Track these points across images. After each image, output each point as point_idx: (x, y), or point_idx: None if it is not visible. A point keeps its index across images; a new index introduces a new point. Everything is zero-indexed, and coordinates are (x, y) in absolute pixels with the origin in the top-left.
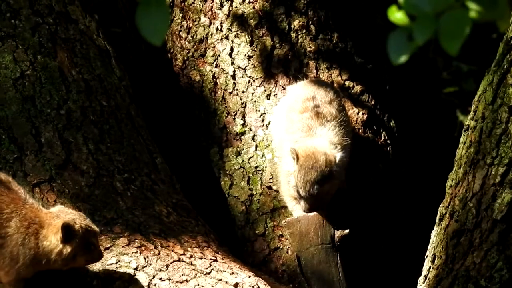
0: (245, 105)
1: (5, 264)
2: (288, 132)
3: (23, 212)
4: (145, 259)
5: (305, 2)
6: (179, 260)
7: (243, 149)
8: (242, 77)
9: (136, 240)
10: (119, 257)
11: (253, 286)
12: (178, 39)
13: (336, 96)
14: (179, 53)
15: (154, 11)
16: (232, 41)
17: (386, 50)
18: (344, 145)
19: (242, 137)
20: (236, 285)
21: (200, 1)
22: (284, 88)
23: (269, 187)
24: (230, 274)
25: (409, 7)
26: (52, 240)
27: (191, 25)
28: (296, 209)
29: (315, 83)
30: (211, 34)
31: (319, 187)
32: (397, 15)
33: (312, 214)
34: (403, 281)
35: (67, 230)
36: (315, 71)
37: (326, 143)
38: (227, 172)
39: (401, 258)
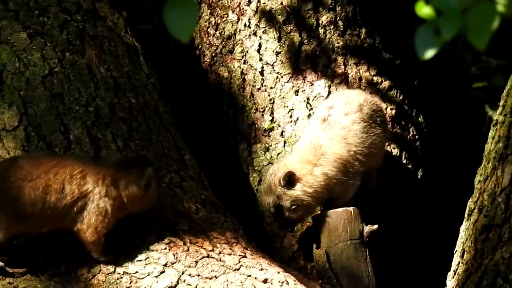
0: (274, 101)
1: (92, 221)
2: None
3: (91, 167)
4: (174, 255)
5: None
6: (208, 256)
7: (271, 145)
8: (270, 73)
9: (165, 237)
10: (148, 253)
11: (282, 282)
12: (206, 36)
13: (360, 109)
14: (207, 50)
15: (181, 8)
16: (260, 37)
17: (414, 46)
18: (338, 161)
19: (270, 133)
20: (265, 281)
21: None
22: (312, 84)
23: None
24: (259, 270)
25: (436, 2)
26: (134, 188)
27: (219, 21)
28: None
29: (344, 94)
30: (239, 31)
31: (268, 199)
32: (424, 10)
33: (341, 209)
34: (432, 277)
35: (148, 177)
36: (343, 66)
37: (296, 159)
38: (256, 168)
39: (430, 253)
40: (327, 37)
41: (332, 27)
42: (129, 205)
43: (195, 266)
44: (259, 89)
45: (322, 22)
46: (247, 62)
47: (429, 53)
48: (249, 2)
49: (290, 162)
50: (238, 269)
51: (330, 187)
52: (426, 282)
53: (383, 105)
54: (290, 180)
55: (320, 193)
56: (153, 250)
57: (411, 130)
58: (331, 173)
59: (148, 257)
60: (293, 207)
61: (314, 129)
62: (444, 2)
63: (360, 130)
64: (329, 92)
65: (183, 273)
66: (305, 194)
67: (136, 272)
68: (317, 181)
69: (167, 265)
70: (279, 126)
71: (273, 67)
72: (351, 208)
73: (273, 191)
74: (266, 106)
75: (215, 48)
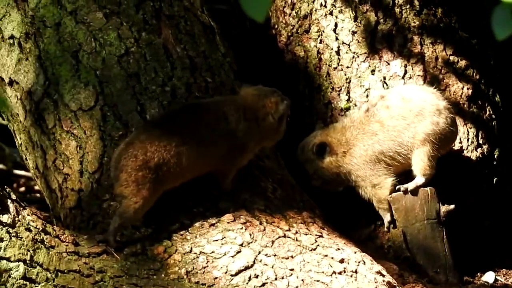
0: (350, 81)
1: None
2: None
3: (231, 102)
4: (250, 235)
5: None
6: (284, 236)
7: None
8: (347, 52)
9: (242, 216)
10: (224, 233)
11: (358, 262)
12: (283, 15)
13: (404, 106)
14: (284, 29)
15: None
16: (336, 16)
17: (491, 25)
18: (361, 158)
19: (347, 112)
20: (341, 261)
21: None
22: (388, 64)
23: None
24: (336, 250)
25: None
26: (270, 119)
27: (295, 1)
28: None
29: (407, 89)
30: (315, 10)
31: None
32: None
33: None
34: (508, 256)
35: (283, 110)
36: (419, 46)
37: (338, 137)
38: None
39: (506, 233)
40: (403, 16)
41: (408, 6)
42: (264, 137)
43: (272, 246)
44: (335, 68)
45: (398, 1)
46: (323, 42)
47: (506, 33)
48: None
49: (333, 136)
50: (314, 249)
51: (350, 178)
52: (503, 261)
53: (460, 84)
54: (322, 151)
55: (340, 177)
56: (229, 230)
57: (487, 109)
58: (352, 167)
59: (224, 237)
60: (314, 176)
61: (359, 113)
62: None
63: (389, 129)
64: (405, 72)
65: (259, 253)
66: (327, 171)
67: (213, 252)
68: (338, 165)
69: (244, 245)
70: (356, 105)
71: (349, 47)
72: (427, 188)
73: (304, 153)
74: (343, 86)
75: (291, 27)
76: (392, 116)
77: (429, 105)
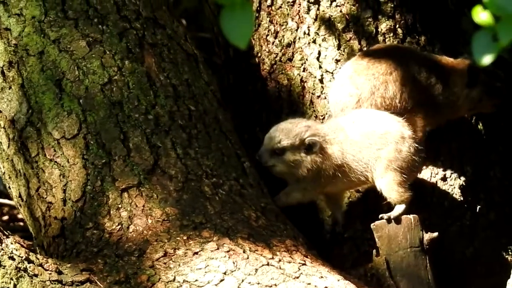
0: None
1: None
2: None
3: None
4: (233, 263)
5: (392, 5)
6: (268, 264)
7: None
8: (330, 80)
9: (225, 245)
10: (208, 261)
11: None
12: (266, 44)
13: (369, 125)
14: (267, 57)
15: (238, 14)
16: (320, 45)
17: (472, 52)
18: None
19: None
20: None
21: (287, 5)
22: None
23: (358, 191)
24: (319, 277)
25: (494, 7)
26: (459, 85)
27: (278, 29)
28: None
29: (375, 112)
30: (299, 38)
31: (280, 137)
32: (481, 16)
33: (401, 217)
34: (492, 284)
35: (472, 74)
36: None
37: (334, 138)
38: None
39: (489, 261)
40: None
41: (391, 34)
42: (454, 103)
43: (255, 274)
44: (318, 96)
45: (382, 29)
46: (307, 70)
47: (487, 59)
48: (309, 10)
49: (331, 137)
50: (298, 277)
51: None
52: None
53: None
54: (311, 147)
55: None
56: (212, 258)
57: (471, 138)
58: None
59: (207, 265)
60: (291, 164)
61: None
62: (502, 8)
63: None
64: None
65: (242, 281)
66: (308, 168)
67: (196, 280)
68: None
69: (227, 273)
70: None
71: (332, 75)
72: (411, 216)
73: (292, 137)
74: (326, 113)
75: (275, 56)
76: (356, 131)
77: (394, 131)
